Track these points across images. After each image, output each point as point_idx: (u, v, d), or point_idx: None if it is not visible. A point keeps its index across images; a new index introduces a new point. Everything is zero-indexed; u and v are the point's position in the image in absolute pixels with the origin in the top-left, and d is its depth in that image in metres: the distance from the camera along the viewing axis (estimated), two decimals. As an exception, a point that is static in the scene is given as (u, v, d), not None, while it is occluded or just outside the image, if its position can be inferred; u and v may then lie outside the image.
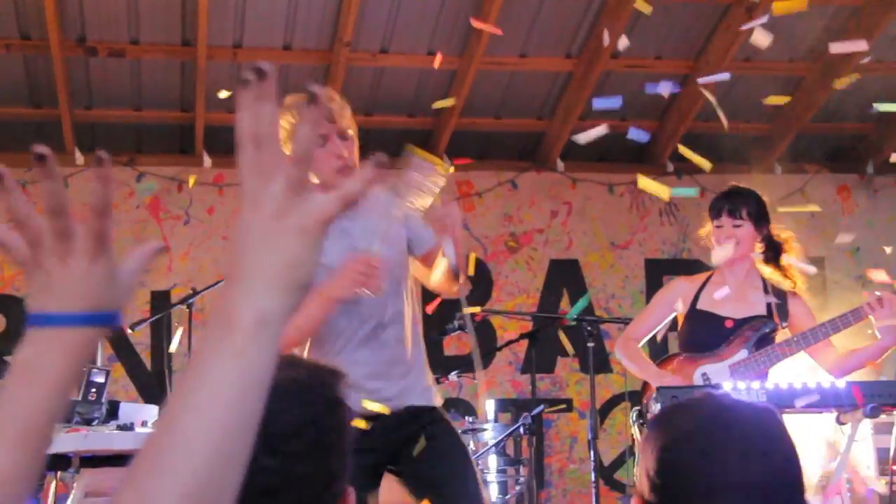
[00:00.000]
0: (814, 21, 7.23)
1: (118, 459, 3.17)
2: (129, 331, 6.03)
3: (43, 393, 1.07)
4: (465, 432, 5.88)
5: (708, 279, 4.47)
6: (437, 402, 3.52)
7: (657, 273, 7.88)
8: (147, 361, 7.34)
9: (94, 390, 3.12)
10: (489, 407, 6.74)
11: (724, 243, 4.31)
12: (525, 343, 6.70)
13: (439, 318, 6.89)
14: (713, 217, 4.40)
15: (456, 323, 5.90)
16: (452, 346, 7.61)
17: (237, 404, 0.96)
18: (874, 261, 8.17)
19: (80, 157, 7.35)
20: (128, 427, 3.18)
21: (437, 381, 6.22)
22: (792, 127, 7.92)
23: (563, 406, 7.77)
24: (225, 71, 7.12)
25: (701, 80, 3.84)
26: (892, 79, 7.85)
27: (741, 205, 4.34)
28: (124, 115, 7.39)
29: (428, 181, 3.19)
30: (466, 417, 6.04)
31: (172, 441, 0.95)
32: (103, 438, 3.11)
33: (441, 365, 7.24)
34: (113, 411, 3.21)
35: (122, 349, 7.28)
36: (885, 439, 6.44)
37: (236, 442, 0.96)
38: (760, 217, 4.36)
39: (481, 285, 7.78)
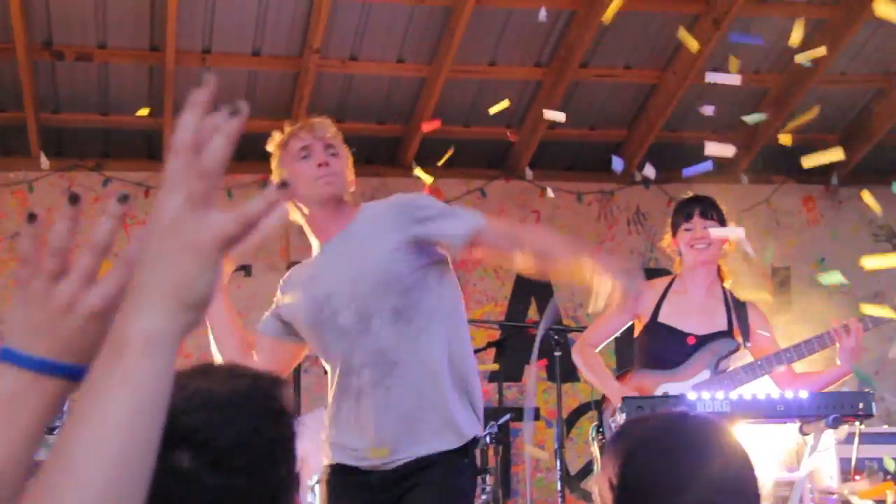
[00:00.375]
0: (779, 33, 7.30)
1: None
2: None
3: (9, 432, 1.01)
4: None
5: (669, 287, 4.41)
6: (447, 445, 3.25)
7: (625, 282, 7.90)
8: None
9: (56, 399, 3.09)
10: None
11: (695, 246, 4.30)
12: (493, 352, 6.70)
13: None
14: (683, 220, 4.35)
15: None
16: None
17: (128, 431, 0.91)
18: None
19: (45, 162, 7.31)
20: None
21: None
22: (758, 138, 7.98)
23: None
24: (194, 76, 7.09)
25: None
26: (856, 90, 7.94)
27: (711, 208, 4.35)
28: (91, 119, 7.34)
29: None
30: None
31: (62, 473, 0.90)
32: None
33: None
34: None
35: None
36: (847, 449, 6.50)
37: (130, 469, 0.91)
38: (724, 223, 4.37)
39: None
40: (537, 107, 7.49)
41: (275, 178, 3.43)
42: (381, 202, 3.38)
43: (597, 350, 4.42)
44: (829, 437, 6.09)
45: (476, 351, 6.71)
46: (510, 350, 7.37)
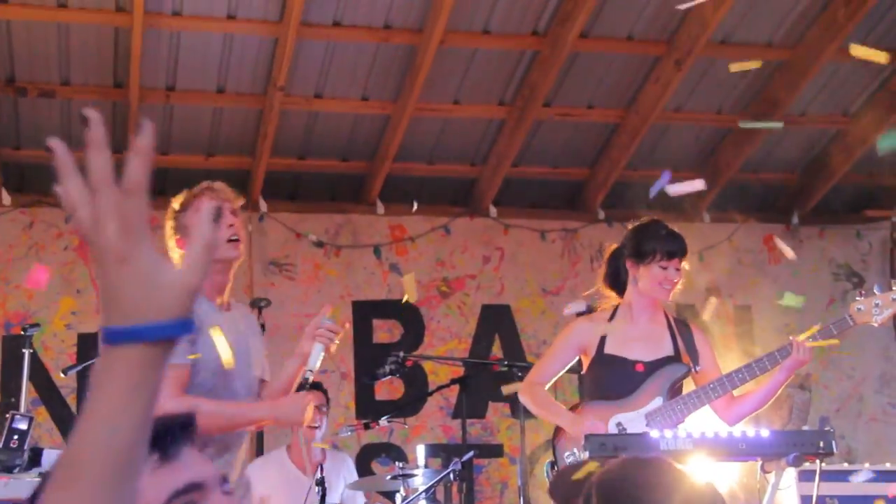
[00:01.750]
0: (740, 74, 7.40)
1: (39, 508, 3.10)
2: (62, 374, 5.95)
3: (109, 411, 1.03)
4: (395, 477, 5.85)
5: (612, 316, 4.41)
6: None
7: (588, 319, 7.93)
8: (73, 405, 7.21)
9: (15, 437, 3.07)
10: (419, 452, 6.73)
11: (664, 286, 4.29)
12: (457, 388, 6.70)
13: (371, 362, 6.93)
14: (663, 256, 4.28)
15: (387, 367, 5.89)
16: (384, 390, 7.59)
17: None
18: (798, 309, 8.33)
19: (7, 198, 7.26)
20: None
21: (367, 427, 6.26)
22: (721, 176, 8.06)
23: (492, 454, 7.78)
24: (159, 113, 7.08)
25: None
26: (816, 130, 8.05)
27: (686, 247, 4.34)
28: (53, 156, 7.29)
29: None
30: (396, 463, 6.00)
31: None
32: (23, 486, 3.05)
33: (372, 410, 7.23)
34: (36, 458, 3.15)
35: (47, 392, 7.14)
36: (809, 486, 6.53)
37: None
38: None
39: (413, 330, 7.78)
40: (501, 145, 7.54)
41: (169, 238, 3.68)
42: (242, 306, 3.93)
43: (545, 387, 4.40)
44: (791, 474, 6.14)
45: (439, 388, 6.77)
46: (473, 387, 7.37)
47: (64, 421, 7.15)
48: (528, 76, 7.11)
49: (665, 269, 4.27)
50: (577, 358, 4.42)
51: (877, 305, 4.23)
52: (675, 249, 4.29)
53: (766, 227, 8.49)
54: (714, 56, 7.13)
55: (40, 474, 3.12)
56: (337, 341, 3.53)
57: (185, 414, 1.34)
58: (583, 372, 4.45)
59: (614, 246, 4.54)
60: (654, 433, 3.88)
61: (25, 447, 3.09)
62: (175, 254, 3.60)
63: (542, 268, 8.04)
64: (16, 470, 3.12)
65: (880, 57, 3.33)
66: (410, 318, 7.78)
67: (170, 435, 1.29)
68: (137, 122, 6.77)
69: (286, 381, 3.69)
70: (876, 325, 4.30)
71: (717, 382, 4.19)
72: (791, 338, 4.17)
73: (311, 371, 3.43)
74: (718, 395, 4.16)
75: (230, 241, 3.58)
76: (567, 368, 4.48)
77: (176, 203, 3.69)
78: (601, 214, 8.11)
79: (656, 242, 4.30)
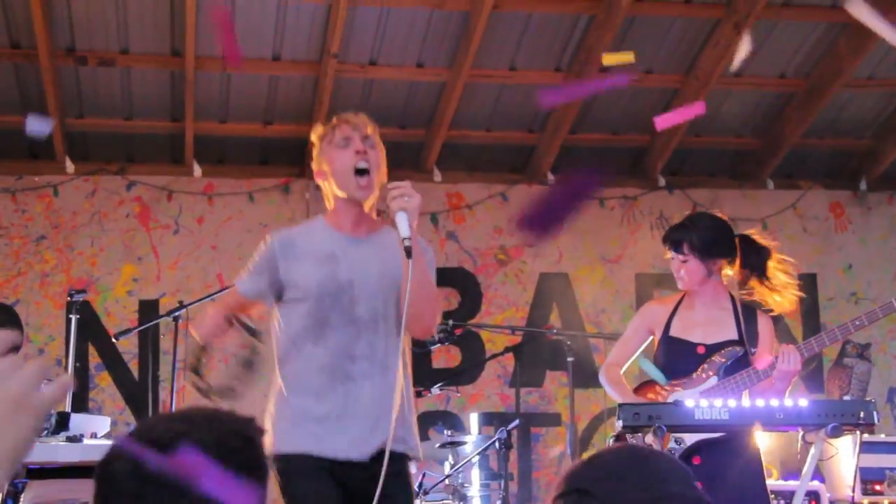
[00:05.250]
0: (804, 36, 7.22)
1: (66, 471, 3.17)
2: (115, 339, 6.05)
3: None
4: (443, 445, 5.87)
5: (679, 303, 4.44)
6: (412, 451, 3.49)
7: (648, 287, 7.85)
8: (135, 371, 7.34)
9: (42, 401, 3.12)
10: (473, 421, 6.73)
11: (676, 277, 4.37)
12: (513, 357, 6.68)
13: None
14: (668, 250, 4.41)
15: (435, 336, 5.89)
16: (441, 358, 7.60)
17: None
18: (867, 278, 8.15)
19: (70, 166, 7.38)
20: (76, 439, 3.17)
21: (419, 395, 6.27)
22: (784, 142, 7.89)
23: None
24: (215, 81, 7.14)
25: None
26: (884, 94, 7.83)
27: (683, 239, 4.31)
28: (115, 124, 7.41)
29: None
30: (446, 431, 6.01)
31: None
32: (49, 450, 3.11)
33: (428, 378, 7.24)
34: (63, 423, 3.21)
35: (110, 358, 7.29)
36: (869, 458, 6.42)
37: None
38: (706, 249, 4.31)
39: (470, 298, 7.77)
40: (558, 111, 7.46)
41: (315, 165, 3.63)
42: (391, 231, 3.54)
43: (622, 369, 4.45)
44: (848, 444, 6.03)
45: (493, 356, 6.76)
46: (529, 355, 7.36)
47: (125, 386, 7.29)
48: (584, 41, 7.01)
49: (672, 259, 4.35)
50: (649, 339, 4.48)
51: None
52: (664, 239, 4.38)
53: (833, 193, 8.30)
54: (775, 18, 6.96)
55: (67, 438, 3.18)
56: (410, 198, 3.27)
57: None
58: (654, 354, 4.50)
59: None
60: (688, 402, 3.82)
61: (52, 411, 3.14)
62: (321, 184, 3.60)
63: (601, 236, 7.96)
64: (44, 434, 3.18)
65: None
66: (468, 286, 7.77)
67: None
68: (194, 89, 6.86)
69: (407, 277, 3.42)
70: None
71: (768, 365, 4.19)
72: (781, 346, 4.15)
73: (407, 239, 3.21)
74: (768, 376, 4.13)
75: (358, 171, 3.49)
76: (642, 348, 4.54)
77: (314, 135, 3.66)
78: (662, 181, 8.00)
79: (665, 233, 4.42)
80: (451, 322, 5.94)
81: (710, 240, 4.31)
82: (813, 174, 8.30)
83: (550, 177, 7.86)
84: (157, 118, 7.40)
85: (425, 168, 7.75)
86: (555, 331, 6.64)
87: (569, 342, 5.92)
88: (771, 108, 7.86)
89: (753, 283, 4.41)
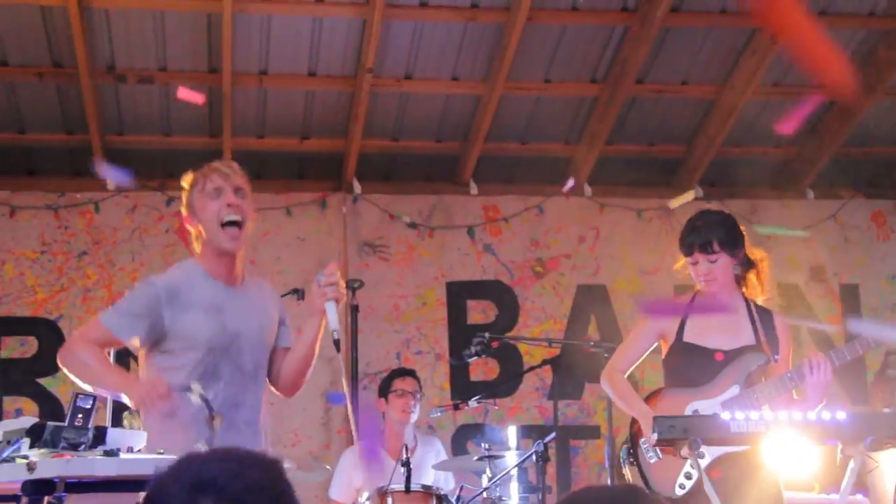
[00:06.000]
0: (842, 45, 7.16)
1: (103, 485, 3.19)
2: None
3: None
4: (481, 458, 5.85)
5: (691, 302, 4.29)
6: None
7: (686, 299, 7.79)
8: (175, 384, 7.39)
9: (80, 416, 3.15)
10: (511, 433, 6.72)
11: (700, 280, 4.21)
12: (549, 369, 6.66)
13: (465, 343, 6.93)
14: (686, 254, 4.24)
15: (473, 349, 5.89)
16: (479, 371, 7.60)
17: None
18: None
19: (111, 183, 7.46)
20: (113, 453, 3.20)
21: (456, 408, 6.27)
22: (824, 151, 7.83)
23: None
24: (251, 97, 7.20)
25: None
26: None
27: (711, 236, 4.17)
28: (154, 140, 7.49)
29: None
30: (483, 444, 5.98)
31: None
32: (86, 464, 3.13)
33: (466, 391, 7.24)
34: (100, 437, 3.23)
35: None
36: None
37: None
38: (732, 242, 4.20)
39: (507, 310, 7.76)
40: (594, 123, 7.45)
41: (184, 210, 3.73)
42: (259, 280, 3.89)
43: (626, 374, 4.35)
44: (891, 457, 5.95)
45: (531, 368, 6.74)
46: (568, 368, 7.33)
47: (166, 399, 7.34)
48: (620, 52, 7.01)
49: (694, 264, 4.19)
50: (656, 344, 4.36)
51: None
52: (690, 242, 4.19)
53: (875, 202, 8.22)
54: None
55: (104, 452, 3.21)
56: (341, 290, 3.46)
57: None
58: (662, 357, 4.38)
59: None
60: (724, 415, 3.78)
61: (89, 426, 3.17)
62: (190, 229, 3.71)
63: (639, 247, 7.92)
64: (81, 448, 3.20)
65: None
66: (505, 299, 7.77)
67: None
68: (231, 105, 6.92)
69: (307, 344, 3.66)
70: None
71: (794, 372, 4.08)
72: (811, 354, 4.05)
73: (335, 331, 3.37)
74: (795, 385, 4.05)
75: (227, 224, 3.56)
76: (647, 354, 4.43)
77: (185, 182, 3.72)
78: (699, 192, 7.95)
79: (681, 238, 4.24)
80: (487, 335, 5.93)
81: (734, 232, 4.22)
82: (854, 183, 8.21)
83: (587, 189, 7.83)
84: (196, 134, 7.48)
85: (461, 181, 7.76)
86: (593, 343, 6.60)
87: (606, 354, 5.88)
88: (811, 117, 7.79)
89: (751, 274, 4.31)
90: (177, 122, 7.42)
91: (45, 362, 7.16)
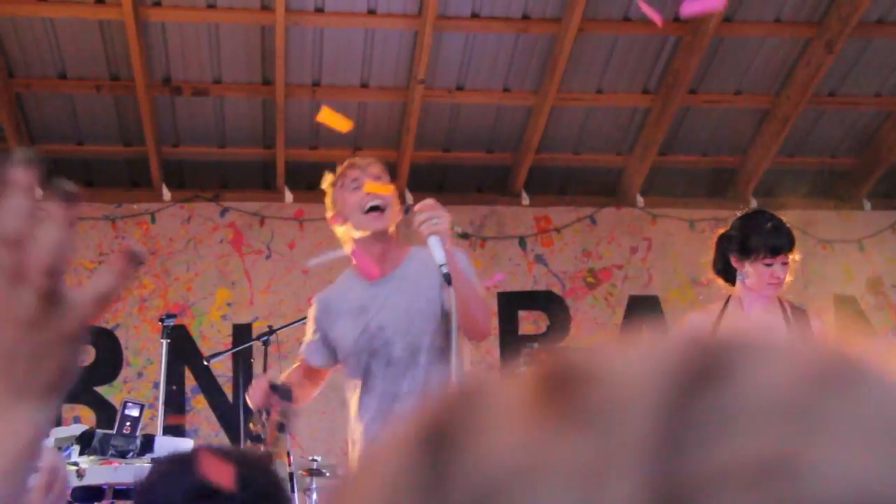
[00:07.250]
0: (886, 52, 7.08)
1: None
2: (206, 363, 6.19)
3: None
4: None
5: (724, 308, 4.27)
6: None
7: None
8: (229, 394, 7.48)
9: (128, 423, 3.21)
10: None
11: (771, 283, 4.12)
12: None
13: (517, 354, 6.94)
14: (767, 253, 4.13)
15: (522, 360, 5.90)
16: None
17: None
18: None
19: (167, 194, 7.57)
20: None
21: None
22: (882, 161, 7.73)
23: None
24: (305, 108, 7.27)
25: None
26: None
27: (792, 239, 4.14)
28: (209, 152, 7.59)
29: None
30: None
31: None
32: (135, 471, 3.19)
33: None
34: (148, 444, 3.29)
35: (205, 381, 7.43)
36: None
37: None
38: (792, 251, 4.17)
39: (559, 321, 7.74)
40: (647, 133, 7.42)
41: (329, 211, 3.73)
42: (424, 254, 3.52)
43: None
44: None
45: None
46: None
47: (219, 408, 7.43)
48: (672, 63, 6.98)
49: (770, 265, 4.09)
50: None
51: None
52: (780, 245, 4.08)
53: (934, 213, 8.09)
54: (868, 37, 6.84)
55: (151, 460, 3.27)
56: (439, 220, 3.24)
57: None
58: None
59: (721, 231, 4.40)
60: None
61: (137, 433, 3.23)
62: (337, 230, 3.68)
63: (692, 258, 7.83)
64: (129, 455, 3.26)
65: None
66: (556, 309, 7.76)
67: None
68: (285, 117, 6.99)
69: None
70: None
71: None
72: None
73: (443, 265, 3.18)
74: None
75: (369, 210, 3.55)
76: None
77: (325, 183, 3.75)
78: (753, 202, 7.87)
79: (760, 238, 4.10)
80: (536, 345, 5.93)
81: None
82: (912, 194, 8.10)
83: (640, 199, 7.80)
84: (250, 145, 7.56)
85: (513, 192, 7.77)
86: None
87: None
88: (867, 128, 7.71)
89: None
90: (231, 133, 7.51)
91: (103, 371, 7.28)
